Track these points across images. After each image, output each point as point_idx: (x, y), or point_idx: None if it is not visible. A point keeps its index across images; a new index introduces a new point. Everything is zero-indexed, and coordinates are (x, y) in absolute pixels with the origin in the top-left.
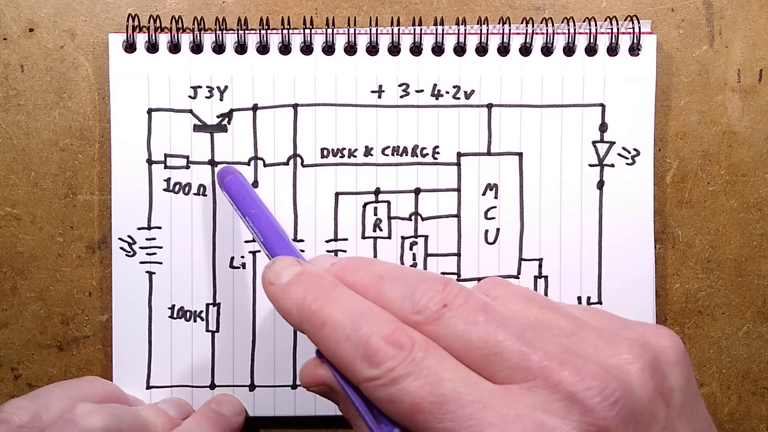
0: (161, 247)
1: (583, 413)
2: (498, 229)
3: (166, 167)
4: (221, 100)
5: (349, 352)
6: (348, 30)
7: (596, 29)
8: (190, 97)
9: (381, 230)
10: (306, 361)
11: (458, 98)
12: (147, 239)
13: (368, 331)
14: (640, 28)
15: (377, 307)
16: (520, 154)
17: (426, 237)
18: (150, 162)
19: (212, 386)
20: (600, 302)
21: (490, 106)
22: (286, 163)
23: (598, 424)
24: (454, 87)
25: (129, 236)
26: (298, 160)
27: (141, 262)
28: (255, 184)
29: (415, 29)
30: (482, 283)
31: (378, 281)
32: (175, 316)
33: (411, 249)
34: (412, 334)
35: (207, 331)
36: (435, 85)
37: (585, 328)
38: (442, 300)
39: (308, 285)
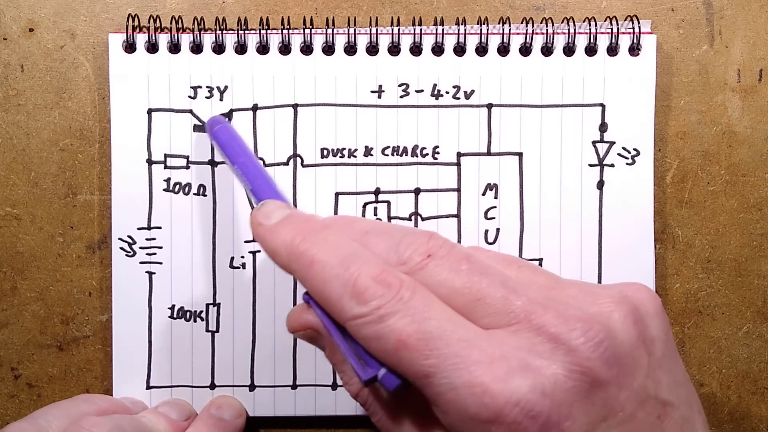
0: (161, 247)
1: (567, 354)
2: (498, 229)
3: (166, 167)
4: (221, 100)
5: (337, 290)
6: (348, 30)
7: (596, 29)
8: (190, 97)
9: None
10: (293, 307)
11: (458, 98)
12: (147, 239)
13: (357, 270)
14: (640, 28)
15: (365, 249)
16: (520, 154)
17: None
18: (150, 162)
19: (212, 386)
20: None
21: (490, 106)
22: (286, 163)
23: (582, 365)
24: (454, 87)
25: (129, 236)
26: (298, 160)
27: (141, 262)
28: None
29: (415, 29)
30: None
31: (363, 236)
32: (175, 316)
33: None
34: (400, 275)
35: (207, 331)
36: (435, 85)
37: (563, 283)
38: (427, 251)
39: (297, 225)
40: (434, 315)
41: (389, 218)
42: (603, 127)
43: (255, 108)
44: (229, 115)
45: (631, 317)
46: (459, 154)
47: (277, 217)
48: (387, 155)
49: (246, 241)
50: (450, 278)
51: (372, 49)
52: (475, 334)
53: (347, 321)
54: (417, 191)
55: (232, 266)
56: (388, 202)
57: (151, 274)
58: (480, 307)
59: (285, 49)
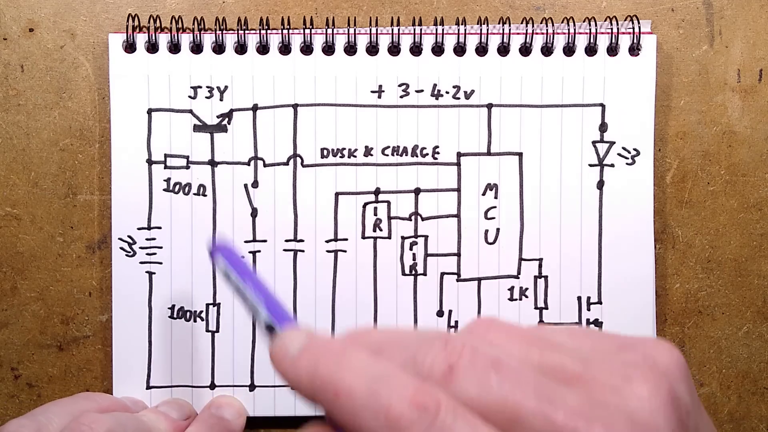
0: (161, 247)
1: None
2: (498, 229)
3: (166, 167)
4: (221, 100)
5: (370, 423)
6: (348, 30)
7: (596, 29)
8: (190, 97)
9: (381, 230)
10: (313, 426)
11: (458, 98)
12: (147, 239)
13: (388, 395)
14: (640, 28)
15: (393, 367)
16: (520, 154)
17: (426, 237)
18: (150, 162)
19: (212, 386)
20: (600, 302)
21: (490, 106)
22: (286, 163)
23: None
24: (454, 87)
25: (129, 236)
26: (298, 160)
27: (141, 262)
28: (255, 184)
29: (415, 29)
30: (474, 327)
31: (380, 352)
32: (175, 316)
33: (411, 249)
34: (436, 393)
35: (207, 331)
36: (435, 85)
37: (591, 365)
38: (446, 360)
39: (317, 352)
40: None
41: (389, 218)
42: (603, 127)
43: (255, 108)
44: (229, 115)
45: (670, 405)
46: (459, 154)
47: (295, 348)
48: (387, 155)
49: (246, 241)
50: (480, 395)
51: (372, 49)
52: None
53: None
54: (417, 191)
55: None
56: (388, 202)
57: (151, 274)
58: (519, 427)
59: (285, 49)
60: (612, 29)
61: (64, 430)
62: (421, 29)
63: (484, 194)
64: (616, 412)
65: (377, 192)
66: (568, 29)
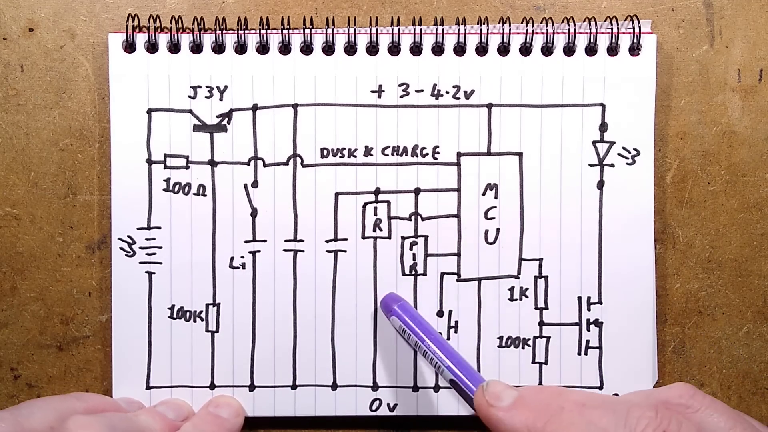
0: (161, 247)
1: None
2: (498, 229)
3: (165, 167)
4: (221, 100)
5: None
6: (348, 30)
7: (596, 29)
8: (189, 97)
9: (381, 230)
10: None
11: (458, 98)
12: (147, 239)
13: None
14: (640, 28)
15: (611, 426)
16: (520, 154)
17: (426, 237)
18: (150, 162)
19: (212, 386)
20: (600, 302)
21: (490, 106)
22: (286, 163)
23: None
24: (454, 87)
25: (129, 236)
26: (298, 160)
27: (141, 262)
28: (255, 184)
29: (415, 29)
30: (678, 394)
31: (581, 408)
32: (175, 316)
33: (411, 249)
34: None
35: (207, 331)
36: (435, 85)
37: None
38: (659, 426)
39: (534, 406)
40: None
41: (389, 218)
42: (603, 127)
43: (255, 108)
44: (228, 114)
45: None
46: (459, 154)
47: (508, 398)
48: (387, 155)
49: (246, 241)
50: None
51: (372, 49)
52: None
53: None
54: (417, 191)
55: (232, 266)
56: (388, 202)
57: (150, 274)
58: None
59: (285, 49)
60: (612, 29)
61: None
62: (421, 29)
63: (484, 194)
64: None
65: (377, 192)
66: (568, 29)
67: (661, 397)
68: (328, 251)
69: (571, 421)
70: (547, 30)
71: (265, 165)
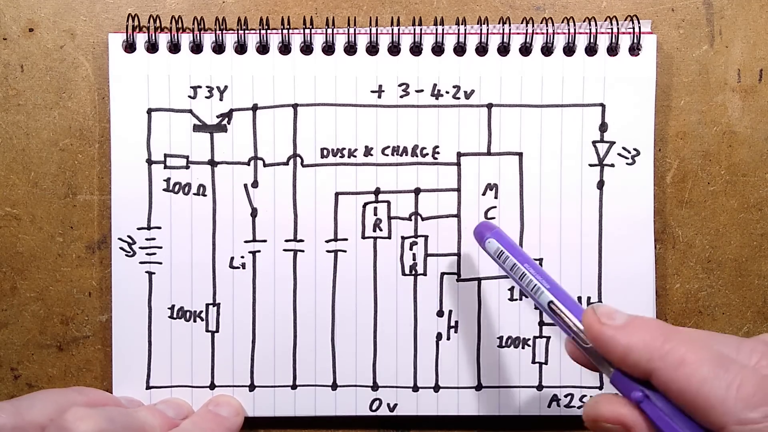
0: (161, 247)
1: None
2: None
3: (165, 167)
4: (221, 100)
5: (719, 391)
6: (348, 30)
7: (596, 29)
8: (189, 97)
9: (381, 230)
10: (598, 396)
11: (458, 98)
12: (147, 239)
13: (738, 373)
14: (640, 28)
15: (727, 356)
16: (520, 154)
17: (426, 237)
18: (150, 162)
19: (212, 386)
20: (600, 302)
21: (490, 106)
22: (286, 163)
23: None
24: (454, 87)
25: (129, 236)
26: (298, 160)
27: (141, 262)
28: (255, 184)
29: (415, 29)
30: None
31: (705, 339)
32: (175, 316)
33: (411, 249)
34: None
35: (207, 331)
36: (435, 85)
37: None
38: None
39: (652, 326)
40: None
41: (389, 218)
42: (603, 127)
43: (255, 108)
44: (228, 114)
45: None
46: (459, 154)
47: (621, 319)
48: (387, 155)
49: (246, 241)
50: None
51: (372, 49)
52: None
53: (731, 425)
54: (417, 191)
55: (232, 266)
56: (388, 202)
57: (150, 274)
58: None
59: (285, 49)
60: (612, 29)
61: (51, 425)
62: (421, 29)
63: (484, 194)
64: None
65: (377, 192)
66: (568, 29)
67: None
68: (328, 251)
69: (691, 337)
70: (547, 30)
71: (265, 165)
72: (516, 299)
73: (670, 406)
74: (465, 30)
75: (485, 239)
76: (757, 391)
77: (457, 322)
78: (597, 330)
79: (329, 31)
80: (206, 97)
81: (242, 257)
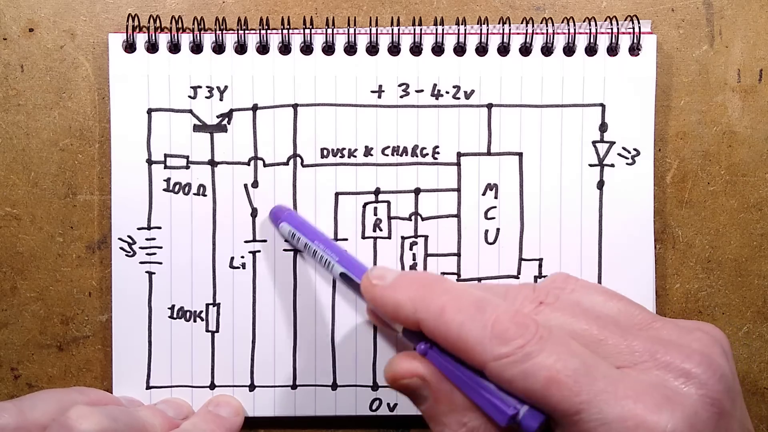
0: (161, 247)
1: (699, 387)
2: (498, 229)
3: (166, 167)
4: (221, 100)
5: (476, 333)
6: (348, 30)
7: (596, 29)
8: (189, 97)
9: (381, 230)
10: (395, 356)
11: (458, 98)
12: (147, 239)
13: (493, 312)
14: (640, 28)
15: (490, 294)
16: (520, 154)
17: (426, 237)
18: (150, 162)
19: (212, 386)
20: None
21: (490, 106)
22: (286, 163)
23: (713, 396)
24: (454, 87)
25: (129, 236)
26: (298, 160)
27: (141, 262)
28: (255, 184)
29: (415, 29)
30: (552, 279)
31: (468, 288)
32: (175, 316)
33: (411, 249)
34: (532, 316)
35: (207, 331)
36: (435, 85)
37: (657, 318)
38: (536, 298)
39: (416, 280)
40: (576, 353)
41: (389, 218)
42: (603, 127)
43: (255, 108)
44: (229, 115)
45: (724, 355)
46: (459, 154)
47: (391, 277)
48: (387, 155)
49: (246, 241)
50: (569, 322)
51: (372, 49)
52: (613, 372)
53: (489, 362)
54: (417, 191)
55: (232, 266)
56: (388, 202)
57: (151, 274)
58: (601, 348)
59: (285, 49)
60: (612, 29)
61: (54, 423)
62: (421, 29)
63: (484, 194)
64: (686, 346)
65: (377, 192)
66: (568, 29)
67: (538, 284)
68: None
69: (454, 286)
70: (547, 30)
71: (265, 165)
72: None
73: (447, 353)
74: (465, 30)
75: (278, 224)
76: (510, 327)
77: None
78: (370, 291)
79: (329, 31)
80: (206, 97)
81: (242, 257)
